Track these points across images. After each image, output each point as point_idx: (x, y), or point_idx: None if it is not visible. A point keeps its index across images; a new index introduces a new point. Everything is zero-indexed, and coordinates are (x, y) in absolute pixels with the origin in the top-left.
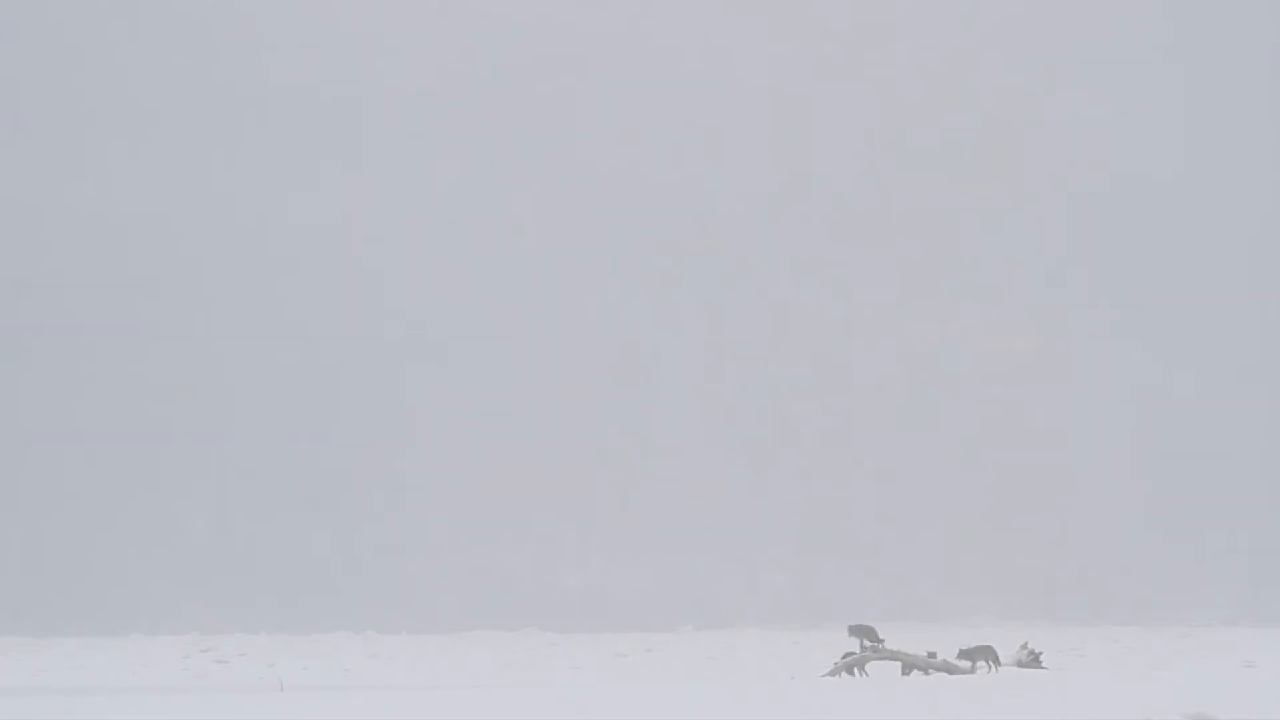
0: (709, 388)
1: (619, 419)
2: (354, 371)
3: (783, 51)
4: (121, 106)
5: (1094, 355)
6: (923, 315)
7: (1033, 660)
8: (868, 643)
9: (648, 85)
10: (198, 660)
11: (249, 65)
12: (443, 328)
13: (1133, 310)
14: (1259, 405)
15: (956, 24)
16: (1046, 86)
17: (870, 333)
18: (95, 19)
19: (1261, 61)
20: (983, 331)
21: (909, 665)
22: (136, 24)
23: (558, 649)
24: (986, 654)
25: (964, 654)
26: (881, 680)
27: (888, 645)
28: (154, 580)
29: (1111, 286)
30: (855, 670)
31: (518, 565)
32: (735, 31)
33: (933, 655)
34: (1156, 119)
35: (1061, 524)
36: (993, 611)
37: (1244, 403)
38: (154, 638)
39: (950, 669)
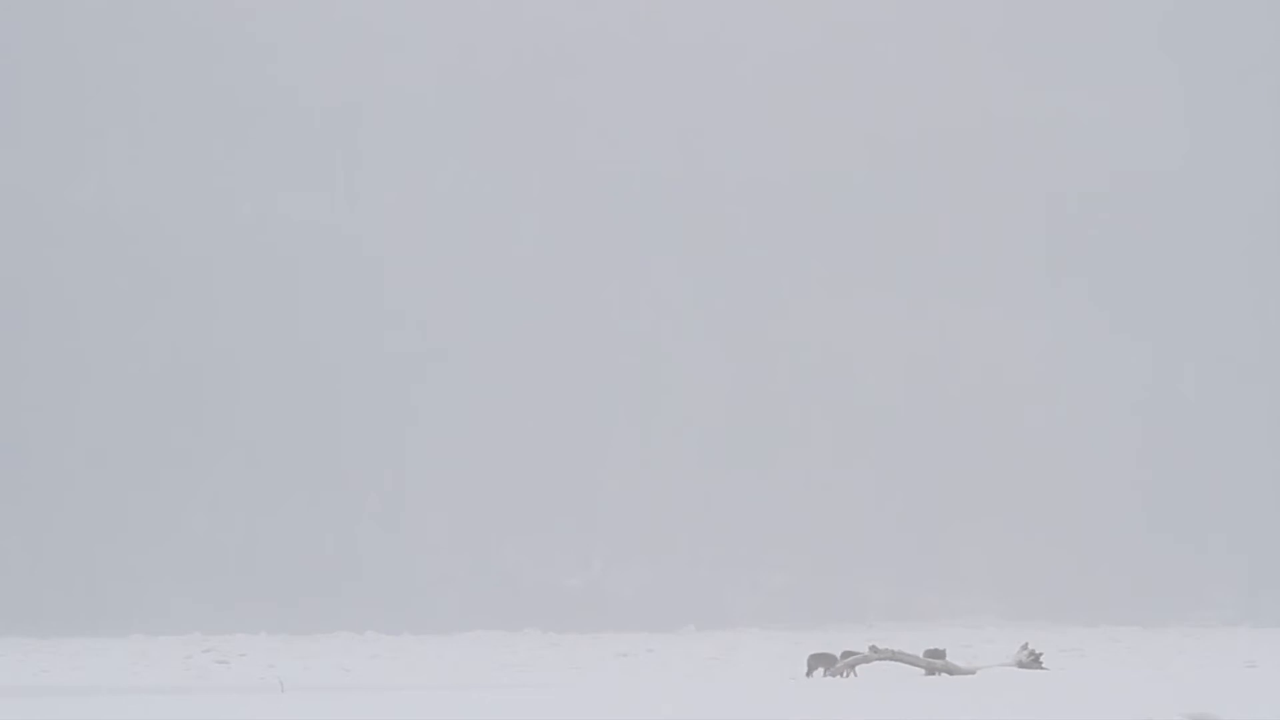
0: (710, 388)
1: (620, 419)
2: (355, 371)
3: (782, 50)
4: (122, 107)
5: (1094, 355)
6: (923, 315)
7: (1033, 660)
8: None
9: (649, 86)
10: (199, 660)
11: (250, 65)
12: (444, 326)
13: (1133, 310)
14: (1261, 405)
15: (958, 22)
16: (1047, 84)
17: (871, 333)
18: (95, 19)
19: (1263, 59)
20: (983, 331)
21: (911, 666)
22: (137, 24)
23: (559, 649)
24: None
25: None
26: (881, 680)
27: (888, 647)
28: (156, 580)
29: (1112, 286)
30: (848, 672)
31: (519, 565)
32: (734, 31)
33: (937, 653)
34: (1157, 117)
35: (1062, 524)
36: (994, 612)
37: (1246, 402)
38: (155, 638)
39: (951, 669)
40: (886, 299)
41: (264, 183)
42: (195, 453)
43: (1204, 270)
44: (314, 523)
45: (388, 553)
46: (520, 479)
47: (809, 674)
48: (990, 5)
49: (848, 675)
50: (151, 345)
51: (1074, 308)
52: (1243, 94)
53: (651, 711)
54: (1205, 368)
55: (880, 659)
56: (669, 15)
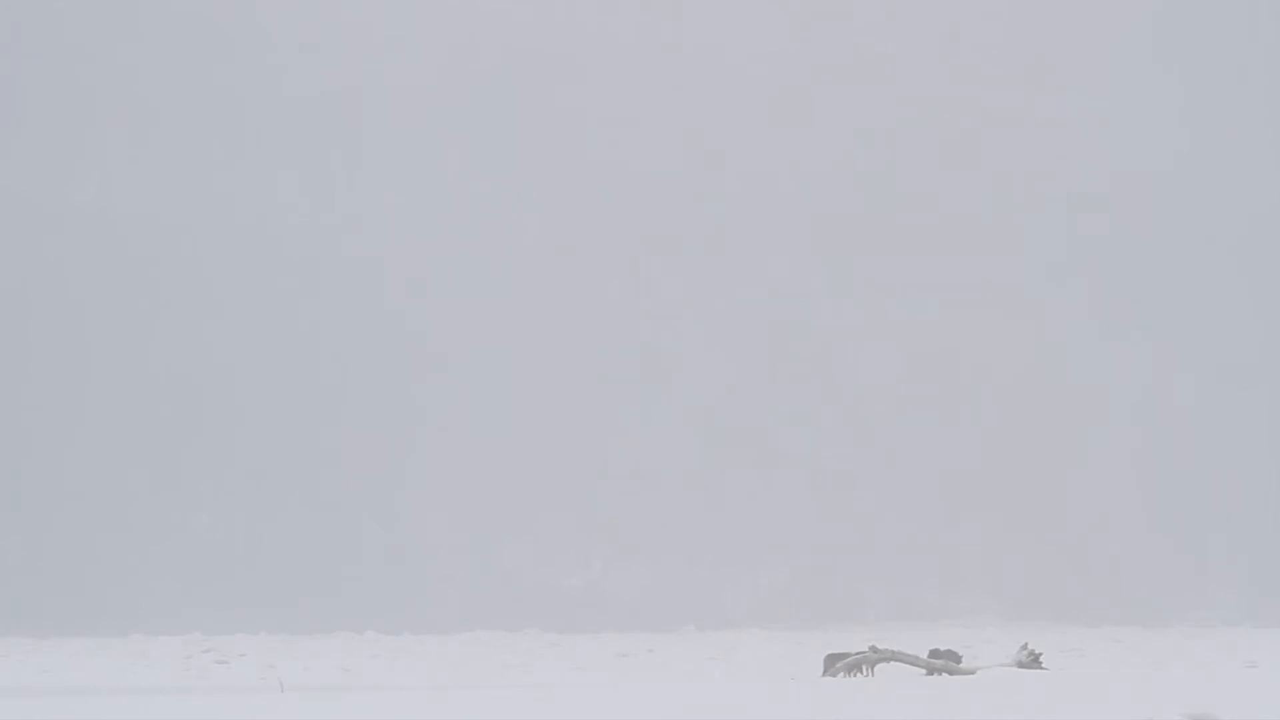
0: (710, 388)
1: (620, 419)
2: (356, 372)
3: (782, 51)
4: (122, 107)
5: (1094, 355)
6: (924, 316)
7: (1033, 661)
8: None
9: (649, 85)
10: (199, 660)
11: (250, 65)
12: (444, 326)
13: (1132, 311)
14: (1260, 405)
15: (957, 23)
16: (1047, 84)
17: (871, 334)
18: (96, 18)
19: (1261, 59)
20: (983, 332)
21: (912, 666)
22: (137, 24)
23: (559, 649)
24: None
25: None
26: (881, 680)
27: (888, 647)
28: (156, 580)
29: (1113, 286)
30: (855, 671)
31: (519, 565)
32: (734, 32)
33: (950, 654)
34: (1156, 117)
35: (1063, 524)
36: (994, 612)
37: (1245, 403)
38: (156, 638)
39: (950, 669)
40: (887, 300)
41: (264, 182)
42: (195, 453)
43: (1203, 271)
44: (315, 524)
45: (389, 553)
46: (520, 479)
47: (825, 673)
48: (990, 6)
49: (865, 673)
50: (152, 346)
51: (1074, 309)
52: (1241, 94)
53: (651, 711)
54: (1204, 369)
55: (881, 659)
56: (670, 15)
